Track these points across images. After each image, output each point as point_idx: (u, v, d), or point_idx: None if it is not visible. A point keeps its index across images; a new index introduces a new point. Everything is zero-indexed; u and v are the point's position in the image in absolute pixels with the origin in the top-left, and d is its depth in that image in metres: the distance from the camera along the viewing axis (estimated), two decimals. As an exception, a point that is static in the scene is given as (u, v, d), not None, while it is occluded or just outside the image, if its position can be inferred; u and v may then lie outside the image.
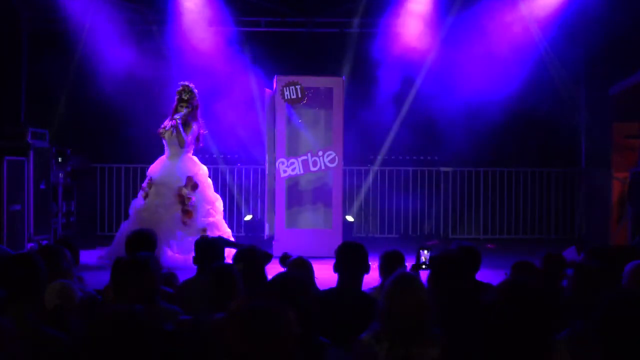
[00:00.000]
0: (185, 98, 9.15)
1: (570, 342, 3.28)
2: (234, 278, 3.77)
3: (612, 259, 4.69)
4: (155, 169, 9.28)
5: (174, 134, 9.10)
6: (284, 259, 5.23)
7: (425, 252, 5.24)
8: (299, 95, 10.12)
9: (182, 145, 9.13)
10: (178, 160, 9.19)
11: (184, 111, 9.13)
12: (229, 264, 4.17)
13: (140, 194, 9.27)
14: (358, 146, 12.05)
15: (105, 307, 4.02)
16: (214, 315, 3.53)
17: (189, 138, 9.17)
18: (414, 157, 12.85)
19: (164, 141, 9.30)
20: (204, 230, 8.84)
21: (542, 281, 4.80)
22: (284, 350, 2.27)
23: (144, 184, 9.26)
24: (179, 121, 9.07)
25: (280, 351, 2.26)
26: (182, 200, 8.97)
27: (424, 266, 5.07)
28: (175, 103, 9.22)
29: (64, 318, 3.61)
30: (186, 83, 9.27)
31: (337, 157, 10.14)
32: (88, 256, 9.14)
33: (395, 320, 3.17)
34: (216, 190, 12.49)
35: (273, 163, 10.22)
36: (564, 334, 3.36)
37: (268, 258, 4.88)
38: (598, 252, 6.20)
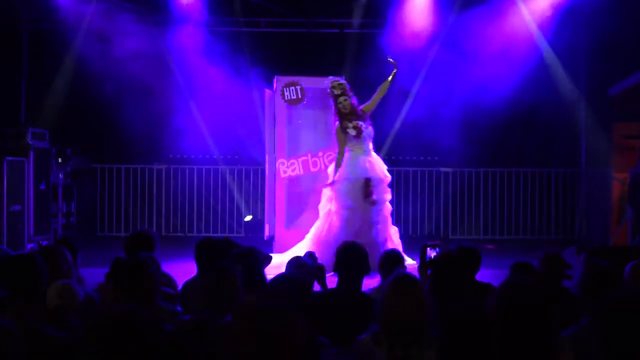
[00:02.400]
0: (339, 93, 8.72)
1: (574, 339, 3.28)
2: (234, 278, 3.77)
3: (613, 259, 4.69)
4: (361, 168, 8.64)
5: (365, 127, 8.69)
6: (311, 256, 5.29)
7: (431, 249, 5.22)
8: (299, 96, 10.10)
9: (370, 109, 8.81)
10: (370, 155, 8.75)
11: (351, 102, 8.70)
12: (229, 264, 4.16)
13: (365, 199, 8.54)
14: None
15: (105, 307, 4.02)
16: (215, 316, 3.53)
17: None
18: (414, 158, 12.84)
19: (352, 139, 8.68)
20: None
21: (542, 281, 4.80)
22: (292, 354, 2.26)
23: (365, 194, 8.51)
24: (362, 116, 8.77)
25: (287, 355, 2.25)
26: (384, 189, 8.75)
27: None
28: (335, 102, 8.77)
29: (64, 318, 3.61)
30: (332, 80, 8.84)
31: (337, 158, 10.12)
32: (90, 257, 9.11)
33: (394, 322, 3.17)
34: (216, 190, 12.60)
35: (273, 163, 10.21)
36: (569, 332, 3.36)
37: (268, 260, 4.89)
38: (598, 252, 6.21)
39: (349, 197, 8.54)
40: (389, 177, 8.82)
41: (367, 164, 8.64)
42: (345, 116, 8.71)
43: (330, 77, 8.89)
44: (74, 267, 4.88)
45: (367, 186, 8.49)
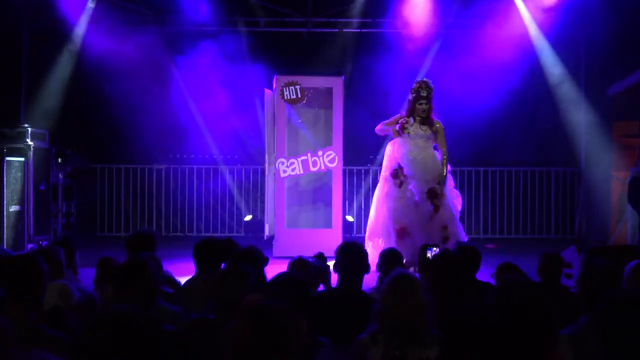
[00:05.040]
0: (424, 95, 8.61)
1: (573, 338, 3.28)
2: (247, 280, 3.77)
3: (613, 258, 4.69)
4: (402, 161, 8.60)
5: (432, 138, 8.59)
6: (320, 258, 5.29)
7: (435, 249, 5.24)
8: (299, 95, 10.12)
9: (444, 149, 8.63)
10: (427, 155, 8.62)
11: (429, 108, 8.59)
12: (242, 265, 4.14)
13: (393, 181, 8.58)
14: (358, 146, 12.05)
15: (104, 307, 4.02)
16: (225, 317, 3.53)
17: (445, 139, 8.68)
18: (414, 157, 12.82)
19: (405, 136, 8.64)
20: (445, 227, 8.46)
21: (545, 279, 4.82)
22: (292, 353, 2.26)
23: (392, 172, 8.59)
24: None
25: (287, 354, 2.25)
26: (434, 195, 8.50)
27: None
28: (412, 101, 8.66)
29: (62, 318, 3.62)
30: (424, 79, 8.78)
31: (337, 157, 10.14)
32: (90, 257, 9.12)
33: (391, 320, 3.17)
34: (216, 190, 12.60)
35: (273, 163, 10.22)
36: (568, 331, 3.37)
37: (265, 261, 4.90)
38: (598, 251, 6.22)
39: (397, 182, 8.67)
40: (433, 177, 8.52)
41: (407, 160, 8.58)
42: (413, 114, 8.65)
43: (424, 79, 8.83)
44: (71, 267, 4.89)
45: (401, 173, 8.57)
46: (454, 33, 12.07)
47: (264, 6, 12.30)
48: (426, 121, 8.63)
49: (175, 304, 4.43)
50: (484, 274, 5.61)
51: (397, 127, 8.62)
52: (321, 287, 4.95)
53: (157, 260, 4.51)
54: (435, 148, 8.69)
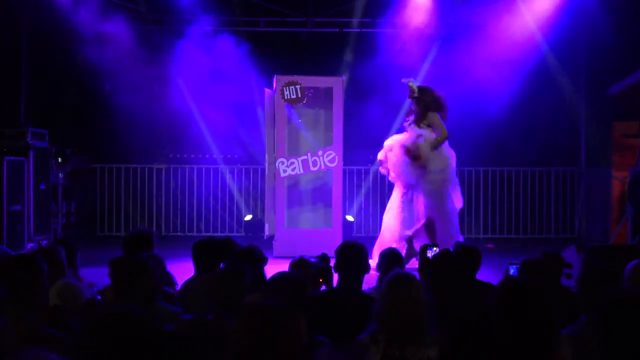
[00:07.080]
0: (413, 95, 9.05)
1: (573, 338, 3.28)
2: (244, 279, 3.77)
3: (613, 258, 4.69)
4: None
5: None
6: (323, 258, 5.28)
7: (435, 249, 5.25)
8: (299, 95, 10.11)
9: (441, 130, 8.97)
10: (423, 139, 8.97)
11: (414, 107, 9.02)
12: (240, 265, 4.14)
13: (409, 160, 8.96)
14: (358, 146, 12.05)
15: (104, 307, 4.02)
16: (221, 316, 3.52)
17: (444, 129, 8.98)
18: (414, 157, 12.81)
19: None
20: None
21: (545, 279, 4.81)
22: (292, 353, 2.27)
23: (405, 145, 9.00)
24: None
25: (288, 354, 2.25)
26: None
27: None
28: (417, 101, 9.09)
29: (63, 318, 3.61)
30: (409, 79, 9.18)
31: (337, 157, 10.14)
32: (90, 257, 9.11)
33: (391, 320, 3.17)
34: (216, 190, 12.61)
35: (273, 163, 10.21)
36: (568, 330, 3.37)
37: (264, 261, 4.90)
38: (598, 251, 6.22)
39: None
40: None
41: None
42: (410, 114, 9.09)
43: (405, 79, 9.19)
44: (72, 267, 4.88)
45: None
46: (454, 33, 12.06)
47: (264, 6, 12.30)
48: (423, 118, 8.94)
49: (175, 303, 4.43)
50: (484, 274, 5.60)
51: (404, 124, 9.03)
52: (323, 288, 4.95)
53: (159, 259, 4.51)
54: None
